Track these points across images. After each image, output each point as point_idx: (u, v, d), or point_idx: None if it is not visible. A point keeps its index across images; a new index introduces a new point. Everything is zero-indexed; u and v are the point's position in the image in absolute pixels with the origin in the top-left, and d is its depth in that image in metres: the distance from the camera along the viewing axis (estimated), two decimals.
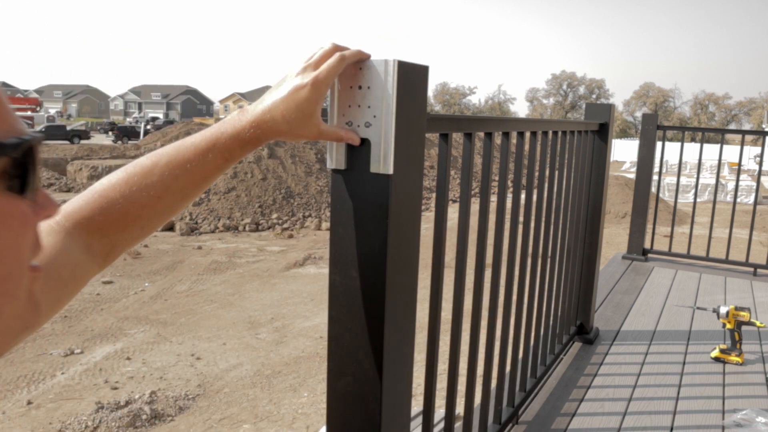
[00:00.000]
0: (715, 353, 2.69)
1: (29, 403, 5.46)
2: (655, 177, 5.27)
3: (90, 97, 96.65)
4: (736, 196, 4.43)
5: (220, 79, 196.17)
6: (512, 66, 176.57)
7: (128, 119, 67.54)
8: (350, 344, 1.01)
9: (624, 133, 72.14)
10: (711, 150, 20.88)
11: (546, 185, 2.11)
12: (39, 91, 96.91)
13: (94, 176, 18.71)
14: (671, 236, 4.37)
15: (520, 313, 2.01)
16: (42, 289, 0.59)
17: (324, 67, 0.80)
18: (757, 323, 2.68)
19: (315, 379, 6.17)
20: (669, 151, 6.56)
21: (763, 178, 20.94)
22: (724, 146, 4.37)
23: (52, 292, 0.61)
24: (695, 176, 6.78)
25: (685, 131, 4.62)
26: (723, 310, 2.71)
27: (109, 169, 18.38)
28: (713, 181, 18.52)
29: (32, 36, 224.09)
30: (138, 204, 0.71)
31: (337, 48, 0.83)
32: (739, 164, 4.14)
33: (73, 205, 0.69)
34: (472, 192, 6.58)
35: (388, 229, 0.95)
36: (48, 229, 0.66)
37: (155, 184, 0.72)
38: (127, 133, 39.30)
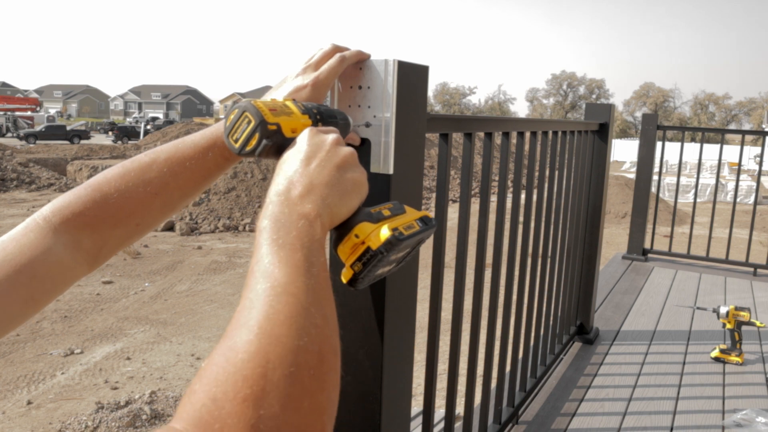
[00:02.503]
0: (715, 353, 2.69)
1: (29, 403, 5.46)
2: (655, 177, 5.27)
3: (90, 97, 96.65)
4: (736, 196, 4.43)
5: (220, 79, 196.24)
6: (512, 66, 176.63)
7: (128, 119, 67.53)
8: (350, 344, 1.01)
9: (624, 133, 72.13)
10: (711, 150, 20.85)
11: (546, 185, 2.11)
12: (39, 91, 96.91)
13: (93, 177, 18.66)
14: (671, 236, 4.37)
15: (520, 313, 2.01)
16: (11, 284, 0.59)
17: (324, 68, 0.80)
18: (757, 323, 2.68)
19: None
20: (669, 151, 6.56)
21: (763, 178, 20.93)
22: (724, 146, 4.37)
23: (23, 289, 0.60)
24: (695, 176, 6.78)
25: (685, 131, 4.62)
26: (723, 310, 2.71)
27: None
28: (713, 181, 18.52)
29: (32, 36, 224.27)
30: (133, 200, 0.70)
31: (337, 49, 0.83)
32: (739, 164, 4.15)
33: (63, 200, 0.68)
34: (472, 192, 6.57)
35: None
36: (33, 225, 0.64)
37: (153, 180, 0.71)
38: (127, 133, 39.31)
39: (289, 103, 0.69)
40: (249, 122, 0.63)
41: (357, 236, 0.64)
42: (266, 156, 0.65)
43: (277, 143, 0.65)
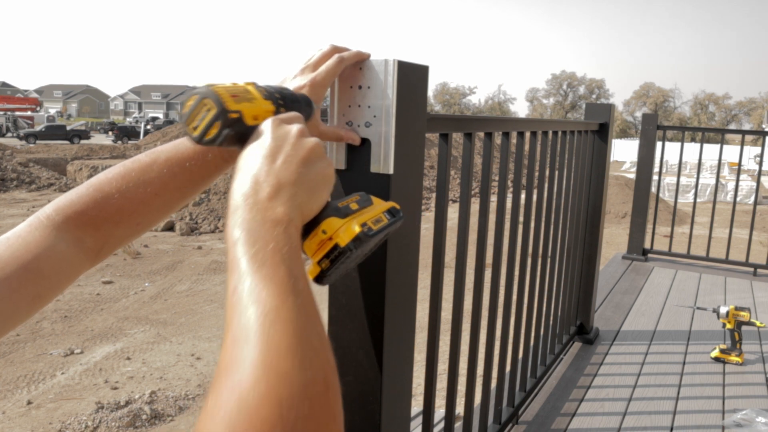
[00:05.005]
0: (715, 353, 2.69)
1: (29, 403, 5.45)
2: (655, 177, 5.27)
3: (90, 97, 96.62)
4: (736, 196, 4.43)
5: (220, 79, 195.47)
6: (512, 66, 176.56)
7: (128, 119, 67.53)
8: (350, 344, 1.01)
9: (624, 133, 72.12)
10: (711, 150, 20.86)
11: (546, 185, 2.11)
12: (39, 91, 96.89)
13: (94, 176, 18.67)
14: (671, 236, 4.37)
15: (520, 313, 2.01)
16: (18, 281, 0.59)
17: (322, 68, 0.80)
18: (757, 323, 2.68)
19: None
20: (669, 151, 6.56)
21: (763, 178, 20.93)
22: (724, 146, 4.37)
23: (30, 286, 0.60)
24: (695, 176, 6.78)
25: (685, 131, 4.62)
26: (723, 310, 2.71)
27: None
28: (713, 181, 18.51)
29: (32, 36, 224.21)
30: (134, 200, 0.71)
31: (335, 49, 0.83)
32: (739, 164, 4.15)
33: (66, 198, 0.69)
34: (472, 192, 6.57)
35: None
36: (36, 223, 0.65)
37: (153, 180, 0.72)
38: (127, 133, 39.31)
39: (250, 88, 0.65)
40: (209, 110, 0.60)
41: (324, 232, 0.61)
42: (227, 145, 0.62)
43: (238, 132, 0.61)
